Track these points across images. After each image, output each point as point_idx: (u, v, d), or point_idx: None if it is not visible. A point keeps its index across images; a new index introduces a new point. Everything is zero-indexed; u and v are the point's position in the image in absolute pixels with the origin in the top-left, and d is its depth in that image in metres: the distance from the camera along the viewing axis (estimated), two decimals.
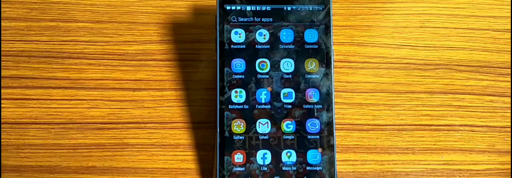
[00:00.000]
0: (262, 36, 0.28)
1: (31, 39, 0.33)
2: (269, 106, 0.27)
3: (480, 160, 0.31)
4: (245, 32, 0.28)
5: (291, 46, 0.28)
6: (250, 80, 0.28)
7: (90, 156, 0.30)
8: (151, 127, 0.31)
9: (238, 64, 0.28)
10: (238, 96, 0.27)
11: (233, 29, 0.28)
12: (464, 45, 0.34)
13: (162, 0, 0.34)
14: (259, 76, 0.28)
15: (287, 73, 0.28)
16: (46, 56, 0.32)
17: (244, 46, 0.28)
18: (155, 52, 0.33)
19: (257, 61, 0.28)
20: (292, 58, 0.28)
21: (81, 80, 0.32)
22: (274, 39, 0.28)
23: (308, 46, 0.28)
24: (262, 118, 0.27)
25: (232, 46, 0.28)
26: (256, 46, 0.28)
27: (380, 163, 0.30)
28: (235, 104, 0.27)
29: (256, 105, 0.27)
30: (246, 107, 0.27)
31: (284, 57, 0.28)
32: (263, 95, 0.28)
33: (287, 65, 0.28)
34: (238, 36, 0.28)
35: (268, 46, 0.28)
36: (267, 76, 0.28)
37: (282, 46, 0.28)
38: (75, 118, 0.31)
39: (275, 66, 0.28)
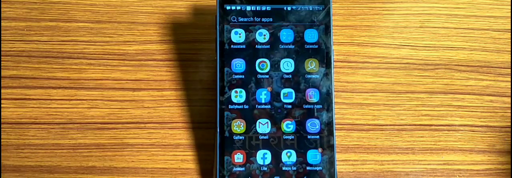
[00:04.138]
0: (262, 36, 0.28)
1: (31, 39, 0.33)
2: (269, 106, 0.27)
3: (480, 160, 0.31)
4: (245, 32, 0.28)
5: (291, 46, 0.28)
6: (250, 80, 0.28)
7: (90, 156, 0.30)
8: (151, 127, 0.31)
9: (238, 64, 0.28)
10: (238, 96, 0.27)
11: (233, 29, 0.28)
12: (464, 45, 0.34)
13: (162, 0, 0.34)
14: (259, 76, 0.28)
15: (287, 73, 0.28)
16: (46, 56, 0.32)
17: (244, 46, 0.28)
18: (155, 52, 0.33)
19: (257, 61, 0.28)
20: (292, 58, 0.28)
21: (81, 80, 0.32)
22: (274, 39, 0.28)
23: (308, 46, 0.28)
24: (262, 118, 0.27)
25: (232, 46, 0.28)
26: (256, 46, 0.28)
27: (380, 163, 0.30)
28: (235, 104, 0.27)
29: (256, 105, 0.27)
30: (246, 107, 0.27)
31: (284, 57, 0.28)
32: (263, 95, 0.28)
33: (287, 65, 0.28)
34: (238, 36, 0.28)
35: (268, 46, 0.28)
36: (267, 76, 0.28)
37: (282, 46, 0.28)
38: (75, 118, 0.31)
39: (275, 66, 0.28)
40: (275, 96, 0.28)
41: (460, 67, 0.33)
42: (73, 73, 0.32)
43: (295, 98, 0.28)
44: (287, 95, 0.28)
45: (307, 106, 0.27)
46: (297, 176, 0.27)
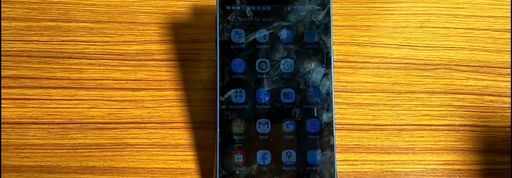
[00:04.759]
0: (262, 36, 0.28)
1: (31, 39, 0.33)
2: (269, 106, 0.27)
3: (480, 160, 0.31)
4: (245, 32, 0.28)
5: (291, 46, 0.28)
6: (250, 81, 0.28)
7: (90, 156, 0.30)
8: (151, 127, 0.31)
9: (238, 64, 0.28)
10: (238, 96, 0.27)
11: (233, 29, 0.28)
12: (464, 45, 0.34)
13: (162, 0, 0.34)
14: (259, 76, 0.28)
15: (287, 73, 0.28)
16: (46, 56, 0.32)
17: (244, 46, 0.28)
18: (155, 52, 0.33)
19: (257, 61, 0.28)
20: (292, 58, 0.28)
21: (81, 80, 0.32)
22: (274, 39, 0.28)
23: (308, 46, 0.28)
24: (262, 118, 0.27)
25: (232, 46, 0.28)
26: (256, 46, 0.28)
27: (380, 163, 0.30)
28: (235, 104, 0.27)
29: (256, 105, 0.27)
30: (246, 107, 0.27)
31: (284, 57, 0.28)
32: (263, 95, 0.28)
33: (287, 65, 0.28)
34: (238, 36, 0.28)
35: (268, 46, 0.28)
36: (267, 76, 0.28)
37: (282, 46, 0.28)
38: (75, 118, 0.31)
39: (275, 66, 0.28)
40: (275, 96, 0.28)
41: (460, 67, 0.33)
42: (73, 73, 0.32)
43: (295, 98, 0.28)
44: (287, 95, 0.28)
45: (307, 106, 0.27)
46: (297, 176, 0.27)
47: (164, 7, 0.34)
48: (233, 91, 0.27)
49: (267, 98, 0.28)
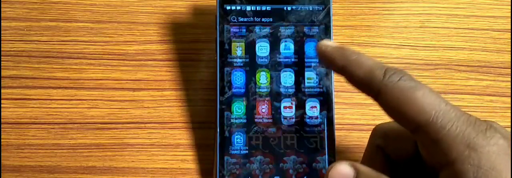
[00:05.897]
0: None
1: (31, 39, 0.33)
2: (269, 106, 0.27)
3: None
4: (245, 32, 0.28)
5: None
6: (250, 80, 0.28)
7: (90, 156, 0.30)
8: (151, 127, 0.31)
9: None
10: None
11: (233, 29, 0.28)
12: (464, 45, 0.34)
13: (162, 0, 0.34)
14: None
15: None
16: (46, 56, 0.32)
17: None
18: (155, 52, 0.33)
19: None
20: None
21: (81, 80, 0.32)
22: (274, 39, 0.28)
23: None
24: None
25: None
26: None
27: None
28: None
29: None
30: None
31: (284, 58, 0.28)
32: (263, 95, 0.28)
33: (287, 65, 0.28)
34: None
35: None
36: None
37: None
38: (75, 118, 0.31)
39: (275, 66, 0.28)
40: (275, 95, 0.28)
41: (460, 67, 0.33)
42: (73, 73, 0.32)
43: (295, 98, 0.28)
44: (287, 95, 0.28)
45: (307, 106, 0.27)
46: (297, 176, 0.27)
47: (164, 7, 0.34)
48: (233, 91, 0.27)
49: (266, 98, 0.28)
